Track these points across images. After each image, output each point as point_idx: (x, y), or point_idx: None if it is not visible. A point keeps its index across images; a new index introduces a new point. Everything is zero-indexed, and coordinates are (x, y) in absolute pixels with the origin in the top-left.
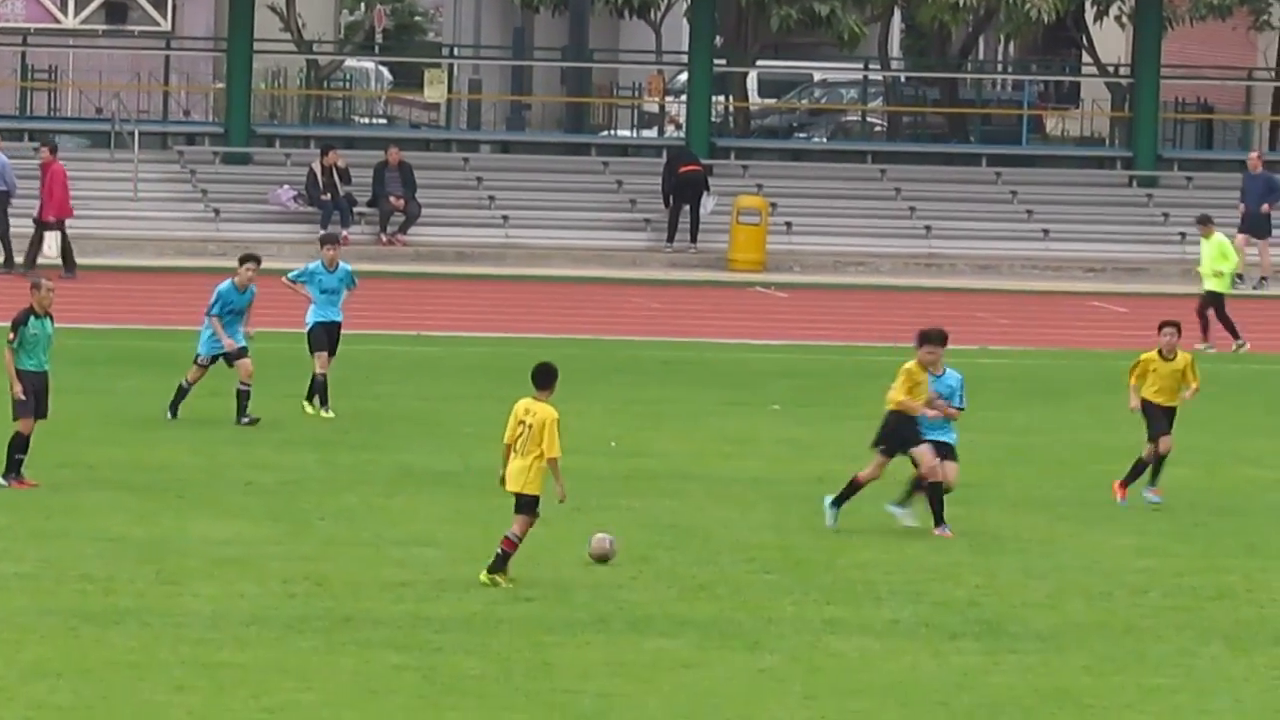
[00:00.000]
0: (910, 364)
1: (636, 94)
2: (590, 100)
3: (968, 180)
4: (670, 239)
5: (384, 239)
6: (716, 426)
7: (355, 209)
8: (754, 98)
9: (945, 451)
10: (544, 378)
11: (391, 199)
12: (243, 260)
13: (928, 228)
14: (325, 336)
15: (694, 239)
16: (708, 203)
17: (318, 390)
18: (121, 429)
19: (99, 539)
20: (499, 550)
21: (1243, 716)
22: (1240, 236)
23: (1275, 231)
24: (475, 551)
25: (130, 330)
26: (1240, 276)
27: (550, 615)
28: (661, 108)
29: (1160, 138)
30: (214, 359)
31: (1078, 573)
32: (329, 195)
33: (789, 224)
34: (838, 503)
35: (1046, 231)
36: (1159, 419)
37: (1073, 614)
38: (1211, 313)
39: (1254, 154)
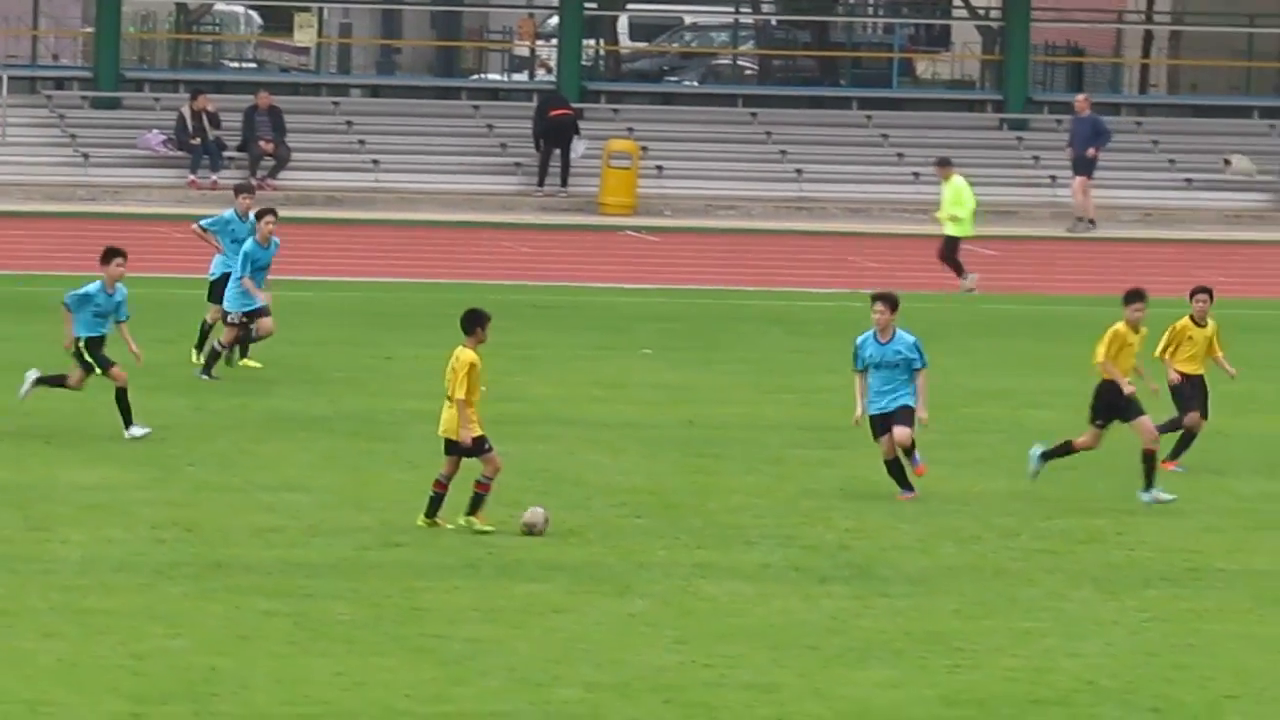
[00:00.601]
0: (1118, 325)
1: (507, 37)
2: (461, 44)
3: (839, 124)
4: (541, 183)
5: (254, 183)
6: (587, 371)
7: (225, 153)
8: (625, 41)
9: (903, 417)
10: (464, 323)
11: (261, 143)
12: (260, 215)
13: (799, 171)
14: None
15: (564, 183)
16: (578, 146)
17: (200, 335)
18: None
19: None
20: (473, 493)
21: (1113, 659)
22: (1077, 181)
23: (1099, 174)
24: (345, 496)
25: None
26: (1092, 222)
27: (420, 560)
28: (532, 51)
29: (1030, 80)
30: (249, 315)
31: (948, 516)
32: (198, 139)
33: (660, 167)
34: (1045, 457)
35: (917, 175)
36: (1188, 393)
37: (943, 557)
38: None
39: (1081, 97)
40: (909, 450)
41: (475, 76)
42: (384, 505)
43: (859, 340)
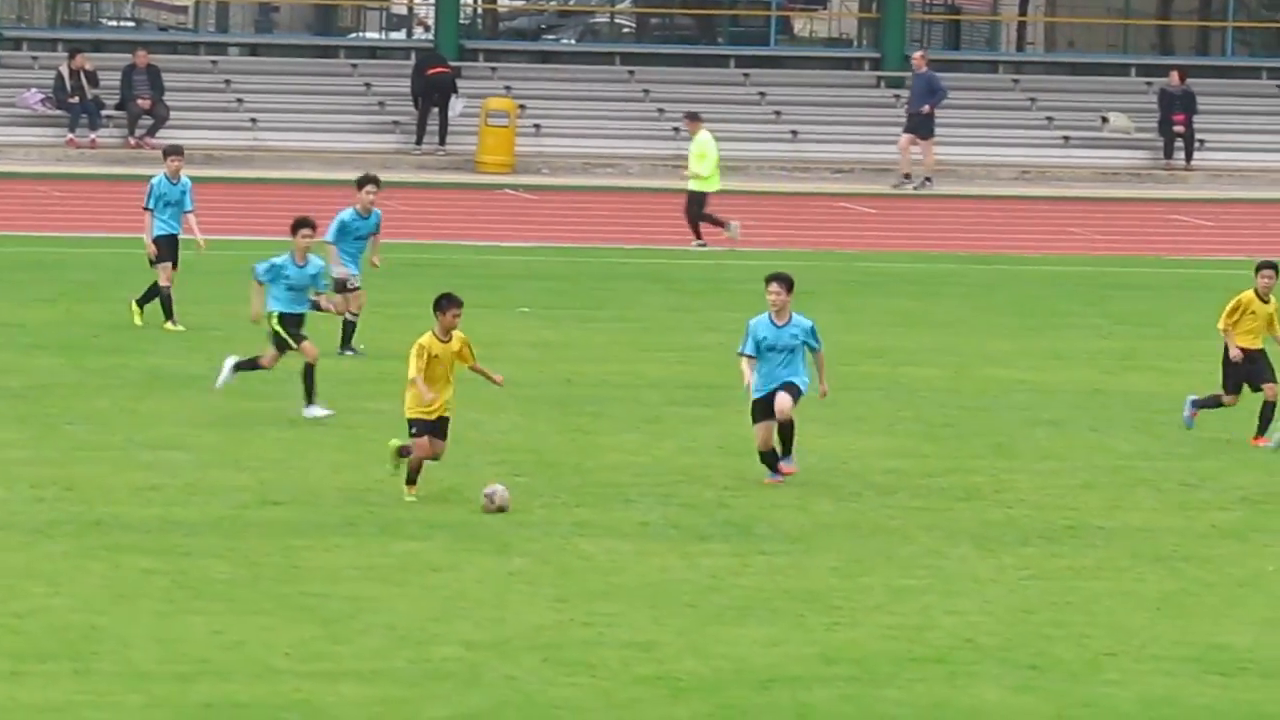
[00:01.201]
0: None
1: None
2: (339, 2)
3: (716, 82)
4: (419, 141)
5: (132, 141)
6: (465, 329)
7: (103, 112)
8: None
9: (786, 386)
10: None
11: (139, 101)
12: (361, 183)
13: (676, 129)
14: (170, 250)
15: (443, 141)
16: (456, 105)
17: (163, 303)
18: None
19: None
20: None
21: (990, 616)
22: (905, 137)
23: (972, 131)
24: (224, 455)
25: None
26: (907, 176)
27: (299, 519)
28: (410, 9)
29: (908, 38)
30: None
31: (826, 474)
32: (77, 98)
33: (537, 126)
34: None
35: (795, 133)
36: (1242, 366)
37: (821, 515)
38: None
39: (918, 54)
40: (787, 433)
41: (353, 35)
42: (262, 464)
43: (752, 322)
